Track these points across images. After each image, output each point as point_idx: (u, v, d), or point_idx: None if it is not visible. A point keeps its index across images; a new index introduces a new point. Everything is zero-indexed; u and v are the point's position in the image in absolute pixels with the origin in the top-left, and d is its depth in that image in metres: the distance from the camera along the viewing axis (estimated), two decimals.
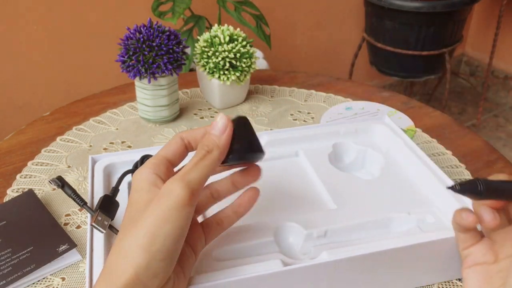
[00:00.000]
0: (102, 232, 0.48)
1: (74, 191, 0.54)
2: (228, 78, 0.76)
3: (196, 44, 0.78)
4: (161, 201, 0.35)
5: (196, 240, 0.41)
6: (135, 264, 0.34)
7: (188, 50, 1.29)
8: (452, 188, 0.42)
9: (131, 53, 0.70)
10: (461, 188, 0.42)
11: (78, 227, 0.58)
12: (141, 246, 0.34)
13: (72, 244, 0.53)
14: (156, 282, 0.35)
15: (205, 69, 0.77)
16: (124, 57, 0.71)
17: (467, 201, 0.51)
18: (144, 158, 0.57)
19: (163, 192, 0.35)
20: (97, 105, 0.82)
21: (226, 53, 0.74)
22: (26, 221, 0.56)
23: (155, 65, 0.70)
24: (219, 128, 0.39)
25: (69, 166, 0.68)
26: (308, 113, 0.80)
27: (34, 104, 1.48)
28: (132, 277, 0.34)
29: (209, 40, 0.77)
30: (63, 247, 0.53)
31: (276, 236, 0.48)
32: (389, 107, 0.81)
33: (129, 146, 0.72)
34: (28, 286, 0.51)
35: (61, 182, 0.54)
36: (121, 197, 0.53)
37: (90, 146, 0.72)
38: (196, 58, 0.78)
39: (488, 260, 0.42)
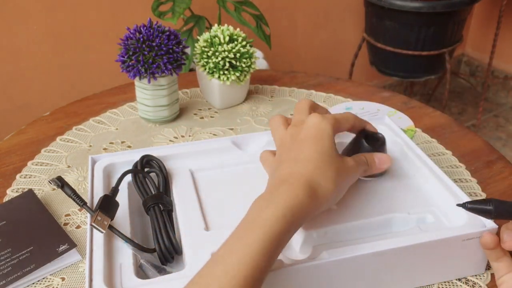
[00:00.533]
0: (102, 232, 0.48)
1: (73, 191, 0.54)
2: (228, 78, 0.76)
3: (196, 44, 0.78)
4: (350, 170, 0.49)
5: None
6: (330, 197, 0.46)
7: (188, 50, 1.29)
8: (462, 205, 0.44)
9: (131, 53, 0.70)
10: (470, 207, 0.43)
11: (78, 227, 0.58)
12: (336, 189, 0.46)
13: (72, 244, 0.53)
14: (327, 206, 0.47)
15: (205, 69, 0.77)
16: (124, 57, 0.71)
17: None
18: (144, 158, 0.57)
19: (351, 165, 0.49)
20: (97, 105, 0.82)
21: (226, 53, 0.74)
22: (26, 221, 0.56)
23: (155, 65, 0.70)
24: (383, 162, 0.53)
25: (69, 166, 0.68)
26: None
27: (34, 104, 1.48)
28: (325, 198, 0.45)
29: (209, 40, 0.77)
30: (63, 247, 0.53)
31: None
32: (389, 107, 0.81)
33: (129, 146, 0.72)
34: (28, 286, 0.51)
35: (60, 182, 0.54)
36: (121, 197, 0.53)
37: (90, 146, 0.72)
38: (196, 58, 0.78)
39: None
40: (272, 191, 0.43)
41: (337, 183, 0.46)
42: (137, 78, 0.72)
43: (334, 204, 0.52)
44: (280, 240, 0.40)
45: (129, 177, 0.56)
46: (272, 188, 0.44)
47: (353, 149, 0.55)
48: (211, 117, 0.79)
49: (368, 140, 0.55)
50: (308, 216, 0.43)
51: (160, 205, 0.52)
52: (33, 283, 0.51)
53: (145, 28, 0.71)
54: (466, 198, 0.52)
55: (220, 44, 0.75)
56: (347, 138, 0.57)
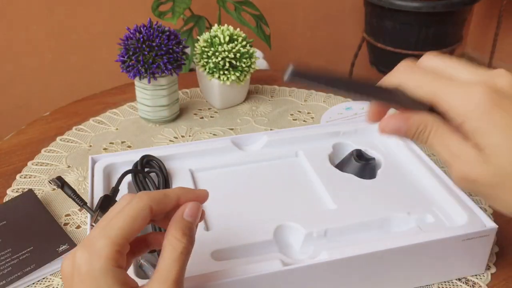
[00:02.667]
0: None
1: (74, 191, 0.54)
2: (228, 78, 0.76)
3: (196, 44, 0.78)
4: None
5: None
6: None
7: (188, 50, 1.29)
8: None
9: (131, 53, 0.70)
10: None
11: (78, 227, 0.58)
12: None
13: (72, 244, 0.53)
14: None
15: (205, 69, 0.77)
16: (124, 57, 0.71)
17: (469, 203, 0.51)
18: (144, 158, 0.57)
19: None
20: (97, 105, 0.82)
21: (226, 53, 0.74)
22: (26, 221, 0.56)
23: (155, 65, 0.70)
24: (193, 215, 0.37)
25: (69, 166, 0.68)
26: (308, 113, 0.80)
27: (34, 104, 1.48)
28: None
29: (209, 40, 0.77)
30: (63, 247, 0.53)
31: (276, 236, 0.48)
32: None
33: (129, 146, 0.72)
34: (28, 286, 0.51)
35: (61, 182, 0.54)
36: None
37: (90, 146, 0.72)
38: (196, 58, 0.78)
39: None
40: None
41: None
42: (137, 78, 0.72)
43: (334, 204, 0.52)
44: None
45: (129, 177, 0.56)
46: None
47: (343, 164, 0.59)
48: (211, 117, 0.79)
49: (360, 158, 0.58)
50: None
51: None
52: (33, 283, 0.51)
53: (145, 28, 0.71)
54: (466, 198, 0.52)
55: (220, 44, 0.75)
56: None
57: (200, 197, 0.38)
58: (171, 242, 0.35)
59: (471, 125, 0.31)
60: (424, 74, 0.34)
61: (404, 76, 0.35)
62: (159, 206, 0.36)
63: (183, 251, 0.35)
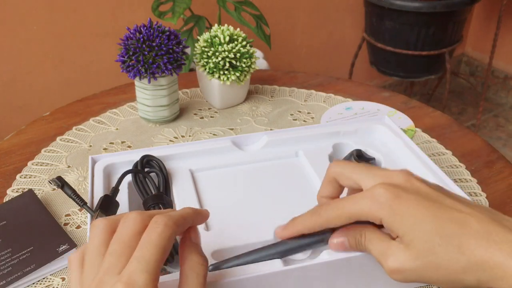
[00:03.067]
0: None
1: (74, 191, 0.54)
2: (228, 78, 0.76)
3: (196, 44, 0.78)
4: None
5: None
6: None
7: (188, 50, 1.29)
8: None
9: (131, 53, 0.70)
10: None
11: (78, 227, 0.58)
12: None
13: (72, 244, 0.53)
14: None
15: (205, 69, 0.77)
16: (124, 57, 0.71)
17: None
18: (144, 158, 0.57)
19: None
20: (97, 105, 0.82)
21: (226, 53, 0.74)
22: (26, 221, 0.56)
23: (155, 65, 0.70)
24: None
25: (69, 166, 0.68)
26: (308, 113, 0.80)
27: (34, 104, 1.48)
28: None
29: (209, 40, 0.77)
30: (63, 247, 0.53)
31: (276, 236, 0.48)
32: (389, 107, 0.81)
33: (129, 146, 0.72)
34: (28, 286, 0.51)
35: (61, 182, 0.54)
36: (121, 197, 0.53)
37: (90, 146, 0.72)
38: (196, 58, 0.78)
39: None
40: None
41: None
42: (137, 78, 0.72)
43: None
44: None
45: (129, 177, 0.56)
46: None
47: None
48: (211, 117, 0.79)
49: (360, 158, 0.59)
50: None
51: (160, 205, 0.52)
52: (33, 283, 0.51)
53: (145, 28, 0.71)
54: (466, 197, 0.52)
55: (220, 44, 0.75)
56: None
57: (206, 217, 0.40)
58: (194, 269, 0.36)
59: (385, 222, 0.36)
60: (332, 206, 0.39)
61: (309, 220, 0.41)
62: (180, 232, 0.37)
63: (205, 274, 0.36)
